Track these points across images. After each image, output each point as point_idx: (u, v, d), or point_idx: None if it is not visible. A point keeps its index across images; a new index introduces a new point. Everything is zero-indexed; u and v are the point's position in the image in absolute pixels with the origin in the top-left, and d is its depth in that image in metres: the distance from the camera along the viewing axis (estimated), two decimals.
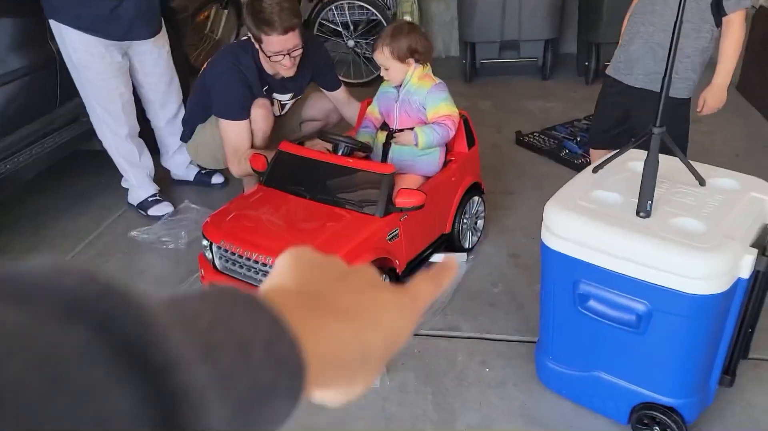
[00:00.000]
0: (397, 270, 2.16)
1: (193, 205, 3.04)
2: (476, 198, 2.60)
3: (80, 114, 3.05)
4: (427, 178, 2.34)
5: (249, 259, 1.98)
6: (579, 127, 3.68)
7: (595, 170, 1.80)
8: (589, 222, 1.58)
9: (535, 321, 1.88)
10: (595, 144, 2.64)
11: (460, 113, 2.42)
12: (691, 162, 1.73)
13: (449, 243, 2.48)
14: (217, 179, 3.28)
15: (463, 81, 4.69)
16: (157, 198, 3.06)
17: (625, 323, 1.59)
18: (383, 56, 2.31)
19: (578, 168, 3.02)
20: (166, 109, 3.11)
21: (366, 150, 2.35)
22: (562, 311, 1.72)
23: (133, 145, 2.97)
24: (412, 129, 2.32)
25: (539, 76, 4.67)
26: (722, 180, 1.73)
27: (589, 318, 1.66)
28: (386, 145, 2.38)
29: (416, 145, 2.29)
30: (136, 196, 3.07)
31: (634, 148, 1.77)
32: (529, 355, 1.97)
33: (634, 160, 1.78)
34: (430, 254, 2.38)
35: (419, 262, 2.32)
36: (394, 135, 2.36)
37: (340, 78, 2.98)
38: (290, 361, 0.31)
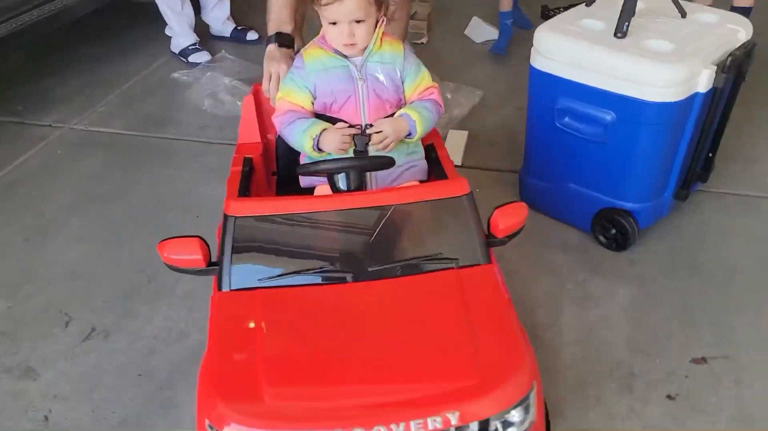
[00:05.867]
0: None
1: (229, 56, 3.29)
2: None
3: None
4: (422, 181, 1.56)
5: None
6: None
7: (588, 3, 1.96)
8: (571, 41, 1.78)
9: None
10: None
11: None
12: None
13: None
14: (251, 36, 3.50)
15: None
16: (197, 47, 3.32)
17: (593, 134, 1.81)
18: (359, 3, 1.38)
19: None
20: None
21: (390, 164, 1.42)
22: (542, 129, 1.95)
23: None
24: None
25: None
26: (705, 15, 1.88)
27: (564, 133, 1.88)
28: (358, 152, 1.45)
29: (409, 135, 1.48)
30: (177, 44, 3.34)
31: None
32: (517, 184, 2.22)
33: None
34: None
35: None
36: (367, 133, 1.44)
37: None
38: None
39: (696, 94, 1.70)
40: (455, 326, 1.14)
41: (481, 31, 3.50)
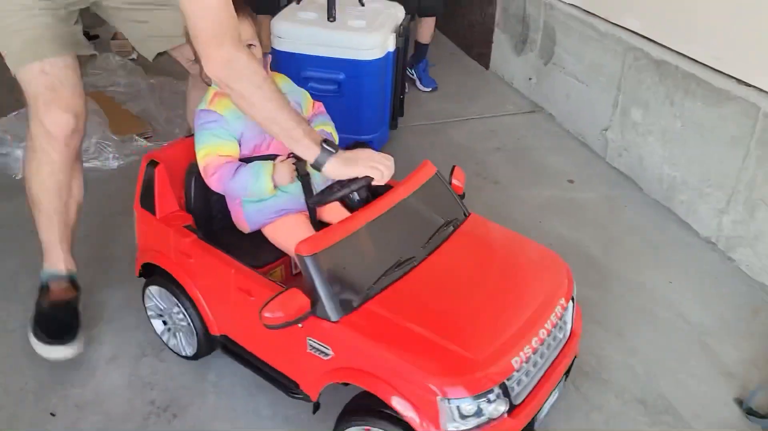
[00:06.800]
0: None
1: None
2: None
3: None
4: None
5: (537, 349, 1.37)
6: None
7: (298, 1, 2.69)
8: (302, 27, 2.48)
9: None
10: None
11: None
12: None
13: None
14: None
15: None
16: None
17: (333, 91, 2.55)
18: (249, 23, 1.58)
19: None
20: None
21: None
22: None
23: None
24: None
25: None
26: (374, 4, 2.78)
27: (311, 95, 2.57)
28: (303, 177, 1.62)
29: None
30: None
31: None
32: None
33: None
34: None
35: None
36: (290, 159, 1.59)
37: None
38: None
39: (389, 52, 2.58)
40: (510, 255, 1.56)
41: None
